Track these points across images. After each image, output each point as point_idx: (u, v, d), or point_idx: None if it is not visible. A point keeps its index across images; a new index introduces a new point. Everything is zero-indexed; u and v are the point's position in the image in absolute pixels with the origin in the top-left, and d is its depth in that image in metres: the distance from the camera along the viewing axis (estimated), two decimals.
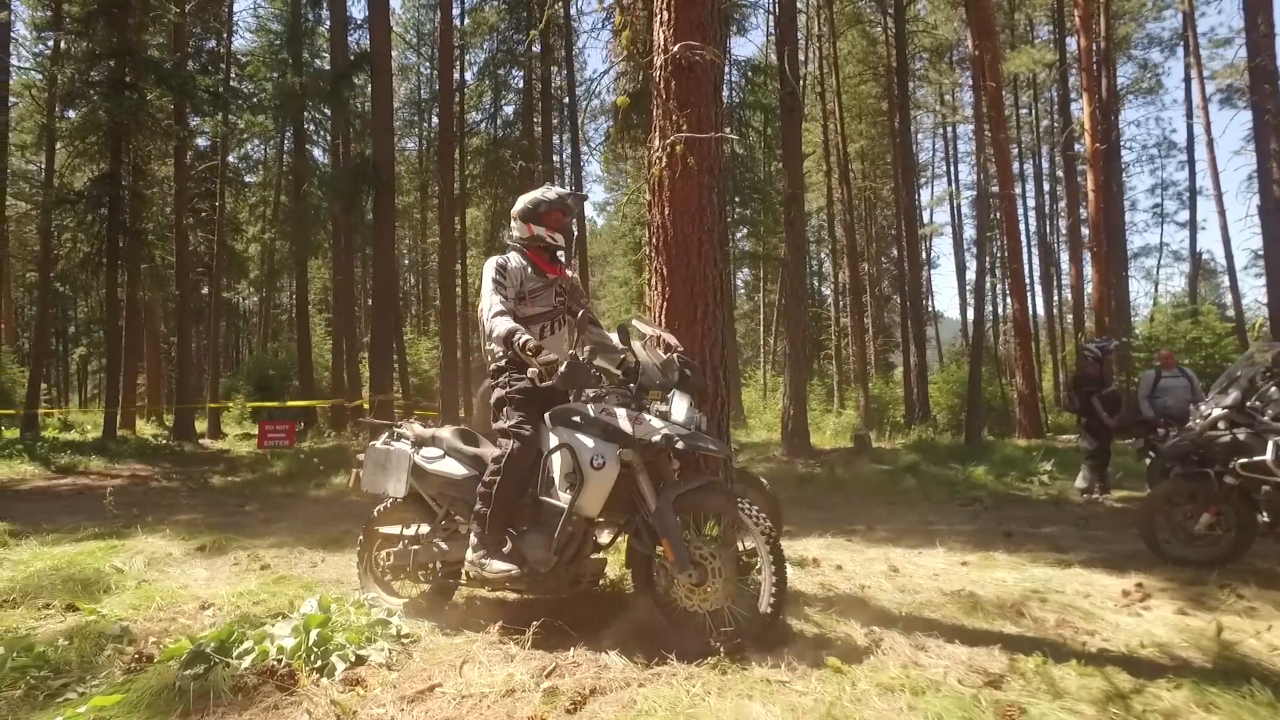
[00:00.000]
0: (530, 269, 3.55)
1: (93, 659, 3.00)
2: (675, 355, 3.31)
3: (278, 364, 26.16)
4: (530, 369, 3.20)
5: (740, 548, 3.28)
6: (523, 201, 3.64)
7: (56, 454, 13.03)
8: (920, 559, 5.33)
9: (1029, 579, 4.57)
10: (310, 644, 2.99)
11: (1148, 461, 8.13)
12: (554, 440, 3.23)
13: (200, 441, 18.10)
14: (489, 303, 3.40)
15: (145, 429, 22.36)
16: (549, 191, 3.60)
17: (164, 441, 16.92)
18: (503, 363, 3.48)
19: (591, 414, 3.19)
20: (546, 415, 3.31)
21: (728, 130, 3.67)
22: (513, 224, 3.68)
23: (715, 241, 3.73)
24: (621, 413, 3.14)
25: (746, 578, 3.24)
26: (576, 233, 3.86)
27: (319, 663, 2.94)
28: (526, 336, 3.21)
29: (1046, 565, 4.99)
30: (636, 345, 3.30)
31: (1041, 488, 9.68)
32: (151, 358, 28.60)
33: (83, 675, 2.83)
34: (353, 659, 2.98)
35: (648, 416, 3.13)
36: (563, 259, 3.71)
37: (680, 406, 3.16)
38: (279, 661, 2.92)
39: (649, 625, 3.16)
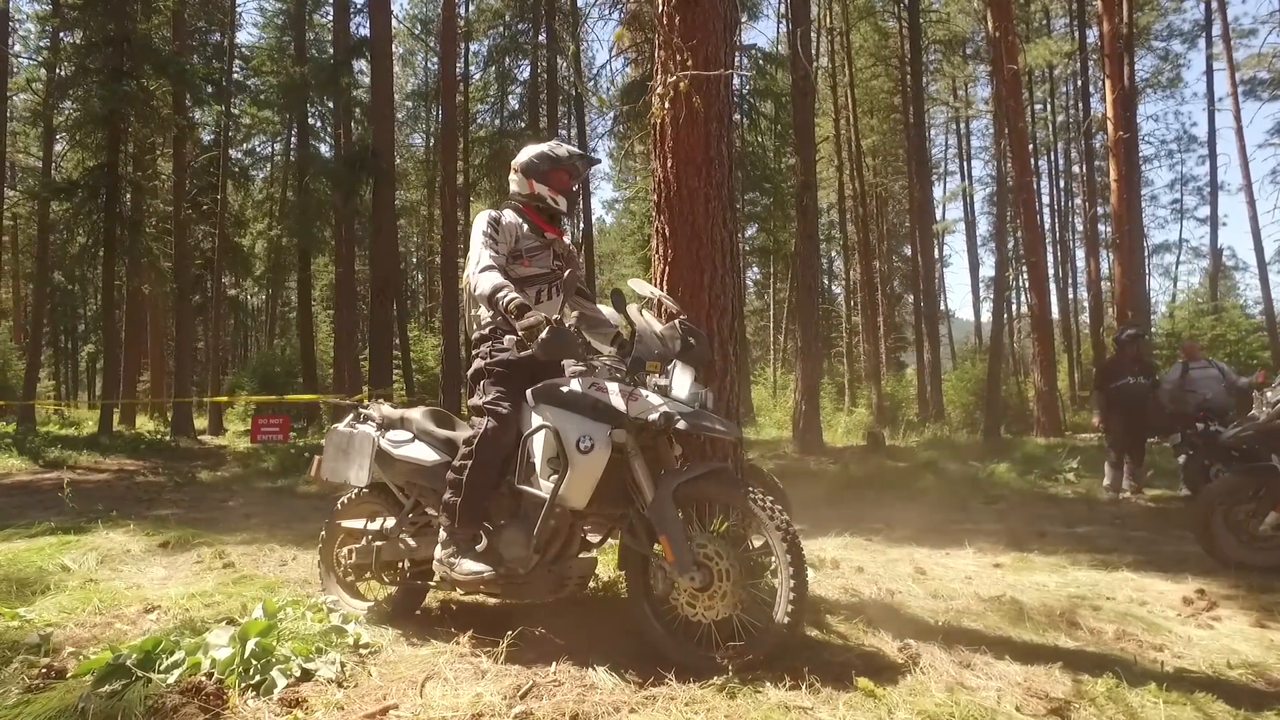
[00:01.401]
0: (527, 226, 3.11)
1: None
2: (677, 322, 2.84)
3: (283, 360, 25.83)
4: (508, 336, 2.75)
5: (751, 546, 2.82)
6: (526, 154, 3.18)
7: (47, 448, 12.67)
8: (949, 560, 4.88)
9: (1073, 583, 4.12)
10: (247, 655, 2.54)
11: (1182, 459, 7.64)
12: (535, 420, 2.77)
13: (199, 437, 17.77)
14: (476, 257, 2.94)
15: (146, 425, 22.08)
16: (558, 148, 3.15)
17: (161, 437, 16.59)
18: (485, 331, 3.04)
19: (578, 389, 2.73)
20: (528, 392, 2.86)
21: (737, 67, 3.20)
22: (512, 177, 3.21)
23: (724, 198, 3.27)
24: (614, 387, 2.68)
25: (759, 582, 2.78)
26: (580, 201, 3.41)
27: (257, 678, 2.49)
28: (514, 295, 2.75)
29: (1090, 568, 4.53)
30: (632, 310, 2.84)
31: (1068, 486, 9.21)
32: (155, 353, 28.36)
33: None
34: (297, 674, 2.54)
35: (644, 392, 2.66)
36: (564, 224, 3.26)
37: (682, 380, 2.70)
38: (209, 676, 2.48)
39: (645, 637, 2.71)
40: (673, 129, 3.22)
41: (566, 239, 3.29)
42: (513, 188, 3.22)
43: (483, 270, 2.88)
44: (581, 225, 20.36)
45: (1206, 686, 2.43)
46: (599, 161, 3.40)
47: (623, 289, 2.99)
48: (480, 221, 3.06)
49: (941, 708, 2.20)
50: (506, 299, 2.73)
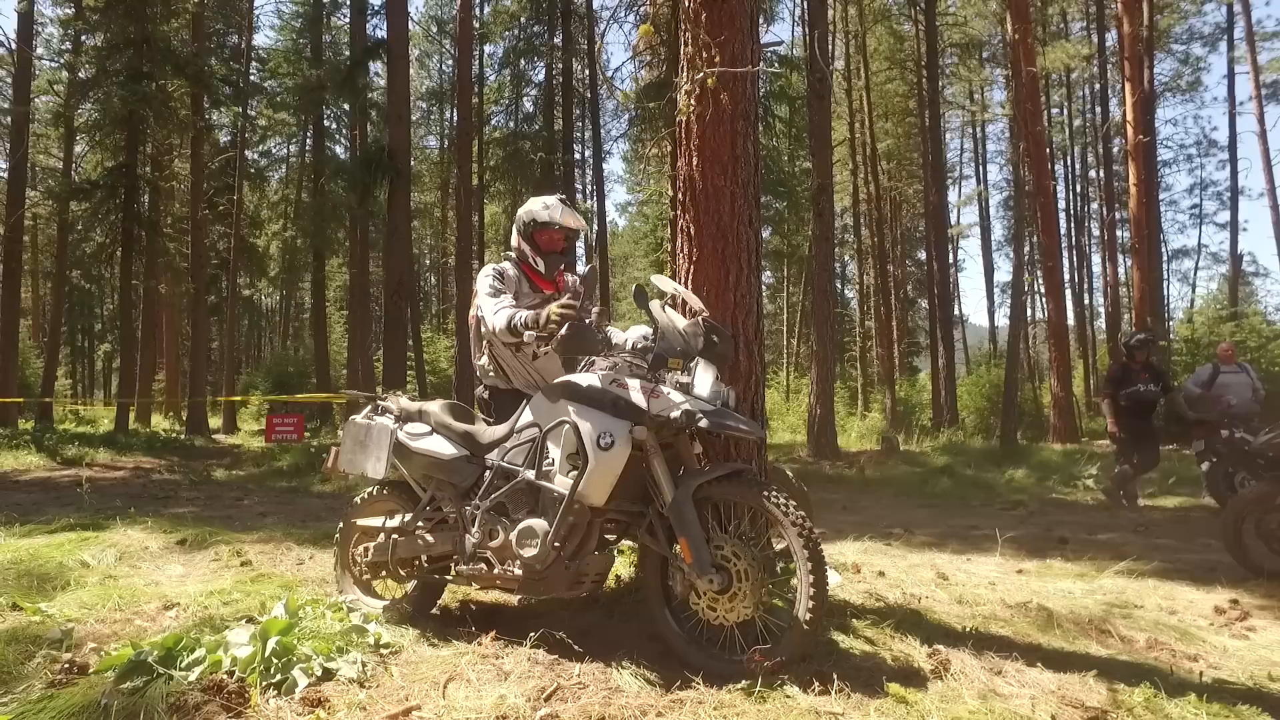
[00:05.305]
0: (525, 282, 3.28)
1: (16, 669, 2.55)
2: (700, 319, 2.81)
3: (296, 361, 26.02)
4: (527, 336, 2.82)
5: (772, 548, 2.78)
6: (522, 209, 3.37)
7: (65, 445, 12.79)
8: (970, 566, 4.82)
9: (1099, 590, 4.05)
10: (268, 654, 2.52)
11: (1205, 467, 7.50)
12: (554, 415, 2.75)
13: (214, 436, 17.89)
14: (487, 308, 3.10)
15: (161, 424, 22.23)
16: (544, 211, 3.27)
17: (176, 435, 16.69)
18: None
19: (598, 385, 2.70)
20: (544, 388, 2.87)
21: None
22: (514, 228, 3.43)
23: (750, 196, 3.23)
24: (634, 384, 2.65)
25: (781, 584, 2.74)
26: (581, 233, 3.49)
27: (278, 677, 2.47)
28: (525, 313, 2.90)
29: (1116, 575, 4.46)
30: (654, 306, 2.81)
31: (1087, 493, 9.10)
32: (170, 352, 28.59)
33: None
34: (319, 673, 2.51)
35: (665, 389, 2.63)
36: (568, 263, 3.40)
37: (704, 378, 2.66)
38: (230, 675, 2.46)
39: (666, 642, 2.67)
40: (698, 126, 3.18)
41: (570, 278, 3.37)
42: (512, 240, 3.41)
43: (496, 313, 3.03)
44: (596, 228, 20.33)
45: (1249, 699, 2.37)
46: (582, 231, 3.50)
47: (644, 285, 2.97)
48: (484, 275, 3.23)
49: (975, 715, 2.15)
50: (520, 319, 2.88)
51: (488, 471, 2.95)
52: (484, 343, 3.31)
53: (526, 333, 2.86)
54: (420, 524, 3.08)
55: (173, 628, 3.01)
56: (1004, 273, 34.41)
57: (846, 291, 37.36)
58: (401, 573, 3.13)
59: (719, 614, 2.55)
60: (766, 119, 15.51)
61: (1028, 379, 25.31)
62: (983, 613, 3.36)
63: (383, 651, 2.74)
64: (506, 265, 3.31)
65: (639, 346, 2.95)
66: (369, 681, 2.50)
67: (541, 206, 3.29)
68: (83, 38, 18.97)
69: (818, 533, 2.55)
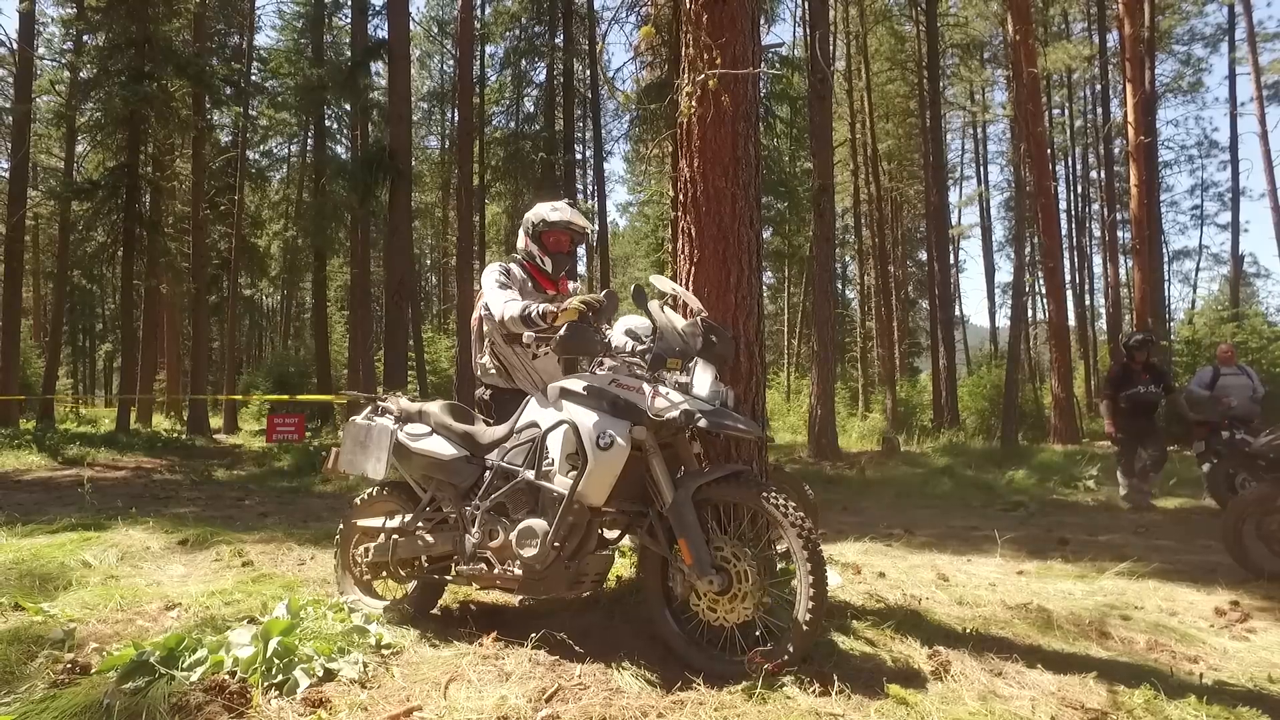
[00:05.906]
0: (531, 283, 3.37)
1: (18, 669, 2.56)
2: (699, 319, 2.82)
3: (297, 361, 26.06)
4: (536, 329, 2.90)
5: (774, 549, 2.78)
6: (530, 212, 3.46)
7: (66, 445, 12.79)
8: (971, 567, 4.83)
9: (1099, 592, 4.05)
10: (269, 654, 2.53)
11: (1206, 468, 7.50)
12: (555, 415, 2.76)
13: (214, 436, 17.89)
14: (496, 300, 3.13)
15: (162, 423, 22.25)
16: (554, 212, 3.38)
17: (177, 435, 16.70)
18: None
19: (597, 385, 2.71)
20: (544, 388, 2.89)
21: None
22: (520, 231, 3.53)
23: (751, 198, 3.24)
24: (633, 384, 2.67)
25: (781, 585, 2.75)
26: (586, 236, 3.57)
27: (280, 677, 2.47)
28: (539, 306, 2.93)
29: (1115, 577, 4.46)
30: (653, 306, 2.82)
31: (1087, 494, 9.10)
32: (171, 352, 28.59)
33: None
34: (320, 673, 2.52)
35: (664, 389, 2.64)
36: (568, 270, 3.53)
37: (703, 378, 2.67)
38: (232, 675, 2.47)
39: (666, 643, 2.67)
40: (700, 128, 3.18)
41: (572, 284, 3.49)
42: (518, 243, 3.49)
43: (505, 304, 3.07)
44: (597, 228, 20.33)
45: (1249, 700, 2.37)
46: (588, 232, 3.56)
47: (643, 285, 2.99)
48: (490, 271, 3.29)
49: (975, 717, 2.15)
50: (540, 310, 2.91)
51: (487, 472, 2.96)
52: (486, 341, 3.34)
53: (540, 322, 2.92)
54: (420, 524, 3.08)
55: (175, 628, 3.02)
56: (1005, 273, 34.43)
57: (847, 292, 37.35)
58: (402, 573, 3.13)
59: (719, 615, 2.56)
60: (767, 120, 15.52)
61: (1028, 380, 25.30)
62: (983, 614, 3.37)
63: (384, 652, 2.74)
64: (512, 265, 3.38)
65: (637, 348, 2.96)
66: (370, 682, 2.51)
67: (551, 209, 3.38)
68: (84, 37, 18.98)
69: (817, 534, 2.56)
